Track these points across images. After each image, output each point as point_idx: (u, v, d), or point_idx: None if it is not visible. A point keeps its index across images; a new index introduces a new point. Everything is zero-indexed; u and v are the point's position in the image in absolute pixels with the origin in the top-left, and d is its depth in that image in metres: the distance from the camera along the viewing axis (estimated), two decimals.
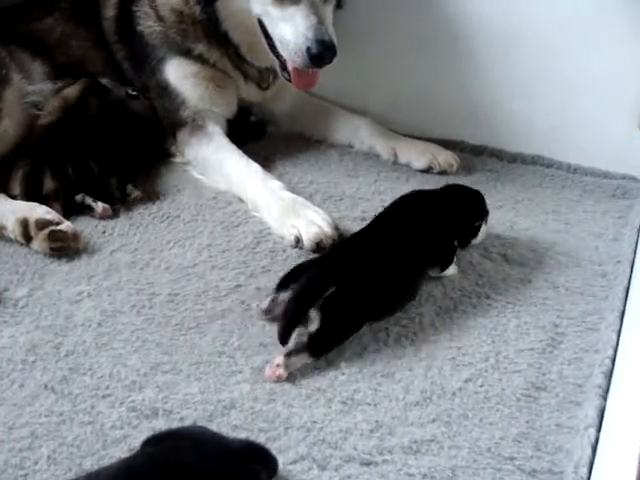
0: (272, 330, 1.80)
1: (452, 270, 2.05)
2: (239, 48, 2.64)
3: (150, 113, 2.68)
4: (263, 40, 2.54)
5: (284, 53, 2.46)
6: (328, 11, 2.48)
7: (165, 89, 2.69)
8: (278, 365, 1.68)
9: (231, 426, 1.56)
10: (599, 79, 2.61)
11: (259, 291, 1.95)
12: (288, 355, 1.69)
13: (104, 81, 2.70)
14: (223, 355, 1.74)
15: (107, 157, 2.39)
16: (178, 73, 2.68)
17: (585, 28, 2.56)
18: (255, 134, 2.83)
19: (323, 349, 1.73)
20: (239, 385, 1.66)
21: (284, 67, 2.51)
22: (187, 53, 2.67)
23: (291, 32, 2.40)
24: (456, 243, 2.08)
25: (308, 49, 2.37)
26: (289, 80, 2.53)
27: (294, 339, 1.71)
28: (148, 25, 2.72)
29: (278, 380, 1.67)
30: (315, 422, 1.57)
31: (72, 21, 2.87)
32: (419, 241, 1.97)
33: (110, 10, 2.85)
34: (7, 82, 2.48)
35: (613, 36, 2.54)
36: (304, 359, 1.71)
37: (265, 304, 1.86)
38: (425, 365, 1.72)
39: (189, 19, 2.63)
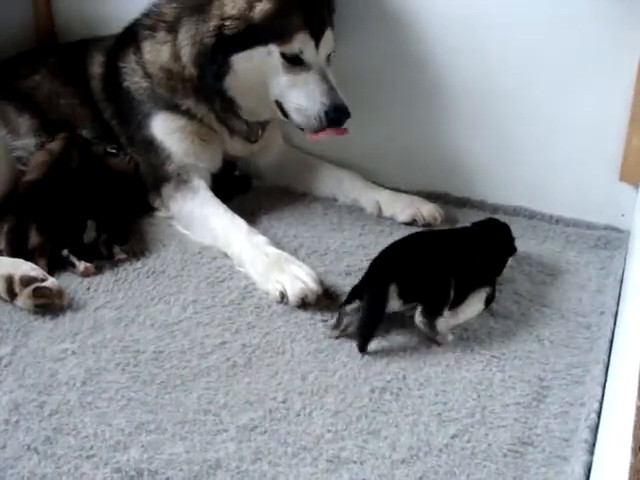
0: (258, 388, 1.80)
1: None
2: (241, 109, 2.67)
3: (130, 169, 2.70)
4: (269, 103, 2.62)
5: (299, 119, 2.54)
6: (332, 74, 2.56)
7: (151, 144, 2.71)
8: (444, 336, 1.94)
9: None
10: (580, 131, 2.64)
11: (244, 347, 1.94)
12: (433, 330, 1.93)
13: (83, 133, 2.74)
14: (209, 413, 1.72)
15: (101, 212, 2.40)
16: (164, 128, 2.70)
17: (565, 81, 2.61)
18: (240, 188, 2.84)
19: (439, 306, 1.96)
20: (225, 444, 1.64)
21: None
22: (174, 108, 2.69)
23: (306, 99, 2.51)
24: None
25: (326, 114, 2.48)
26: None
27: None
28: (135, 81, 2.75)
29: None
30: None
31: (60, 78, 2.91)
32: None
33: (97, 68, 2.89)
34: None
35: (592, 89, 2.58)
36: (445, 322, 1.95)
37: (333, 321, 2.02)
38: (411, 421, 1.71)
39: (178, 77, 2.66)
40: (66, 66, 2.95)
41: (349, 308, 1.99)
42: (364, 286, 2.00)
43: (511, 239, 2.33)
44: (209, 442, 1.65)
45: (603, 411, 1.72)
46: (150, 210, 2.68)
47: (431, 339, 1.96)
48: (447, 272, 2.01)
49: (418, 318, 1.93)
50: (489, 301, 2.14)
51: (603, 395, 1.79)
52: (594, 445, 1.65)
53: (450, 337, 1.93)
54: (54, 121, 2.80)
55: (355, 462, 1.61)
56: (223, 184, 2.75)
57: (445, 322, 1.93)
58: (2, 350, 1.93)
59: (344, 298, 2.12)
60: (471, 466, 1.61)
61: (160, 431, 1.67)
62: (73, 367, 1.86)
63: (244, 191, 2.86)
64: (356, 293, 2.01)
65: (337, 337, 1.99)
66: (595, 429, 1.68)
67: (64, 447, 1.63)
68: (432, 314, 1.92)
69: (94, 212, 2.39)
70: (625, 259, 2.46)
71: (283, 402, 1.76)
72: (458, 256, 2.09)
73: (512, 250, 2.32)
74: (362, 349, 1.93)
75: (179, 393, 1.78)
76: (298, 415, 1.73)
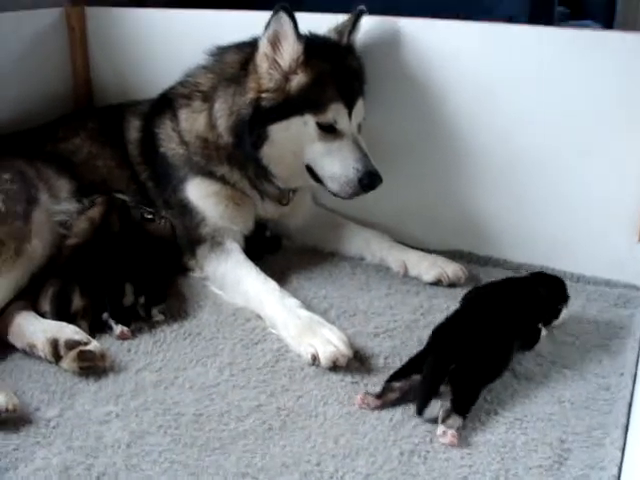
0: (292, 450, 1.88)
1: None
2: (275, 177, 2.78)
3: (168, 233, 2.80)
4: (302, 171, 2.74)
5: (333, 185, 2.67)
6: (363, 141, 2.68)
7: (186, 207, 2.82)
8: (444, 432, 1.91)
9: None
10: (598, 193, 2.76)
11: (279, 411, 2.03)
12: (444, 422, 1.92)
13: (121, 196, 2.84)
14: (247, 476, 1.79)
15: (139, 276, 2.49)
16: (200, 192, 2.82)
17: (583, 145, 2.73)
18: (271, 248, 2.96)
19: (466, 409, 1.97)
20: None
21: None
22: (209, 174, 2.82)
23: (340, 166, 2.63)
24: (540, 325, 2.36)
25: (360, 180, 2.60)
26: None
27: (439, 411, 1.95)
28: (171, 147, 2.89)
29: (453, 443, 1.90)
30: None
31: (98, 142, 3.03)
32: (511, 320, 2.24)
33: (133, 133, 3.02)
34: (36, 202, 2.59)
35: (610, 152, 2.70)
36: (458, 421, 1.93)
37: (378, 390, 2.07)
38: None
39: (213, 145, 2.79)
40: (103, 130, 3.08)
41: (397, 385, 2.06)
42: (426, 359, 2.06)
43: (564, 289, 2.46)
44: None
45: (622, 476, 1.78)
46: (185, 271, 2.78)
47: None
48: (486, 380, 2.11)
49: (445, 406, 1.95)
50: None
51: (622, 459, 1.85)
52: None
53: (453, 433, 1.92)
54: (91, 183, 2.91)
55: None
56: (254, 244, 2.86)
57: (459, 421, 1.96)
58: (50, 412, 2.02)
59: (374, 360, 2.26)
60: None
61: None
62: (117, 430, 1.95)
63: (274, 251, 2.97)
64: (409, 370, 2.07)
65: (375, 408, 2.05)
66: None
67: None
68: (458, 412, 1.95)
69: (131, 275, 2.48)
70: None
71: (317, 465, 1.84)
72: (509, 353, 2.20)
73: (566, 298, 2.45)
74: (420, 413, 1.99)
75: (219, 456, 1.86)
76: (331, 478, 1.80)
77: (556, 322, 2.41)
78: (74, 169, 2.94)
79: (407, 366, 2.11)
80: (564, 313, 2.42)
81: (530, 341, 2.32)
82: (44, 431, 1.95)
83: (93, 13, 3.51)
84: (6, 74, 3.18)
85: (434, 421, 1.97)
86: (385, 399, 2.06)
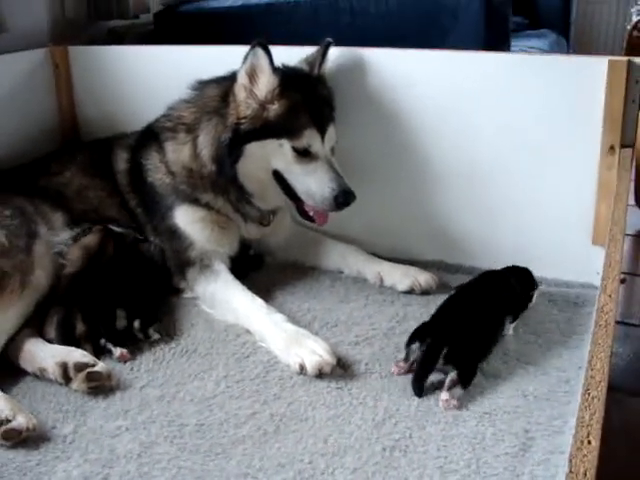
0: (287, 452, 2.08)
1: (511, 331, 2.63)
2: (252, 196, 2.99)
3: (157, 255, 3.01)
4: (275, 189, 2.95)
5: (309, 201, 2.88)
6: (337, 163, 2.90)
7: (174, 232, 3.02)
8: (447, 400, 2.23)
9: None
10: (556, 203, 2.98)
11: (273, 417, 2.22)
12: (449, 390, 2.24)
13: (114, 228, 3.01)
14: (248, 476, 1.98)
15: (131, 300, 2.66)
16: (187, 218, 3.01)
17: (542, 158, 2.97)
18: (254, 266, 3.17)
19: (469, 380, 2.30)
20: None
21: (300, 210, 2.96)
22: (195, 201, 3.01)
23: (316, 185, 2.84)
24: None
25: (335, 198, 2.81)
26: (309, 220, 2.99)
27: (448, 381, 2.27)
28: (158, 177, 3.08)
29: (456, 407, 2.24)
30: None
31: (88, 174, 3.21)
32: (499, 303, 2.61)
33: (121, 164, 3.21)
34: (36, 236, 2.75)
35: (566, 165, 2.93)
36: (460, 391, 2.26)
37: (402, 355, 2.41)
38: (417, 474, 1.98)
39: (198, 174, 2.99)
40: (93, 162, 3.28)
41: (414, 346, 2.37)
42: (423, 343, 2.36)
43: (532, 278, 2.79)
44: None
45: None
46: (177, 292, 2.98)
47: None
48: (480, 356, 2.43)
49: (452, 376, 2.26)
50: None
51: None
52: None
53: (455, 403, 2.23)
54: (84, 212, 3.10)
55: None
56: (239, 263, 3.07)
57: (460, 392, 2.26)
58: (65, 429, 2.19)
59: (356, 367, 2.47)
60: None
61: None
62: (128, 442, 2.13)
63: (258, 268, 3.18)
64: (418, 335, 2.39)
65: (407, 372, 2.37)
66: None
67: None
68: (463, 383, 2.27)
69: (123, 301, 2.65)
70: None
71: (309, 463, 2.02)
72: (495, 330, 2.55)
73: (534, 285, 2.76)
74: (419, 394, 2.29)
75: (221, 460, 2.05)
76: (323, 474, 1.99)
77: (530, 304, 2.75)
78: (68, 201, 3.12)
79: (421, 329, 2.42)
80: (535, 296, 2.76)
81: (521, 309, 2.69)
82: (62, 446, 2.12)
83: (76, 52, 3.71)
84: None
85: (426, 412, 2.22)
86: (409, 362, 2.38)
